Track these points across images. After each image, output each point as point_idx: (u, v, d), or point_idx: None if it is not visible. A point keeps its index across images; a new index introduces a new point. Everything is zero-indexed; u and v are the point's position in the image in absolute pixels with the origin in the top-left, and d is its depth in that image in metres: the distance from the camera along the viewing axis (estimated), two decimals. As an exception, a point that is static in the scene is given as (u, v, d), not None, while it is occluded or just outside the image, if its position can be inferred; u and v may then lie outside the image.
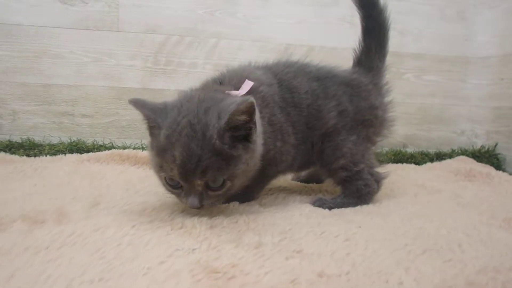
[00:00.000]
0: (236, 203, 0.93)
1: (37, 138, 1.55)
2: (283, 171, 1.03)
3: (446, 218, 0.89)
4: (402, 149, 1.81)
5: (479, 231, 0.81)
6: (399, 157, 1.73)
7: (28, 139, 1.51)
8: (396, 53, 1.80)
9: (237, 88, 0.89)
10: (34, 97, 1.56)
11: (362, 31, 1.11)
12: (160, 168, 0.78)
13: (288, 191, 1.13)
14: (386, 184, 1.23)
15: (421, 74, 1.84)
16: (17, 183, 1.05)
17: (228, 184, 0.78)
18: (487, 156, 1.78)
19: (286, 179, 1.28)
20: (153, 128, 0.80)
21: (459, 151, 1.83)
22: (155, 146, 0.78)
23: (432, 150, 1.83)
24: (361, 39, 1.11)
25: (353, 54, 1.13)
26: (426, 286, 0.58)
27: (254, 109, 0.76)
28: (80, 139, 1.56)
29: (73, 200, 0.92)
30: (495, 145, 1.82)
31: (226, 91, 0.87)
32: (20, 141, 1.50)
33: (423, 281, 0.59)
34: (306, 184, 1.24)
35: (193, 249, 0.65)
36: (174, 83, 1.62)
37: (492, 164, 1.75)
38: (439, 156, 1.79)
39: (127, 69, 1.60)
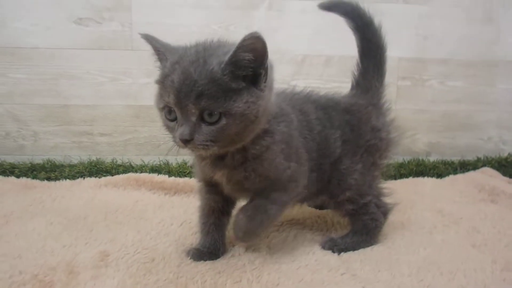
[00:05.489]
0: (241, 250, 0.94)
1: (58, 157, 1.60)
2: (298, 197, 0.97)
3: (457, 270, 0.87)
4: (425, 159, 1.75)
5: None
6: (421, 168, 1.67)
7: (49, 160, 1.56)
8: (419, 59, 1.71)
9: None
10: (54, 118, 1.60)
11: (359, 52, 1.08)
12: (160, 99, 0.77)
13: (299, 225, 1.12)
14: (403, 210, 1.22)
15: (445, 80, 1.75)
16: (34, 221, 1.08)
17: (224, 121, 0.73)
18: (514, 165, 1.70)
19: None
20: (161, 62, 0.80)
21: (485, 160, 1.74)
22: (159, 78, 0.78)
23: (456, 159, 1.76)
24: (358, 61, 1.09)
25: (352, 77, 1.11)
26: None
27: (262, 49, 0.73)
28: (99, 158, 1.60)
29: (86, 246, 0.95)
30: (523, 153, 1.74)
31: None
32: (42, 163, 1.55)
33: None
34: (320, 212, 1.22)
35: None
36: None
37: (518, 173, 1.67)
38: (463, 166, 1.71)
39: (143, 87, 1.60)
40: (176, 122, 0.76)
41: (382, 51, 1.07)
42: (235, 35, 1.53)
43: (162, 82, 0.76)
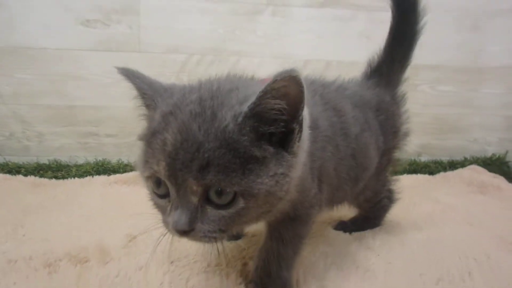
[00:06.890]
0: (261, 230, 0.99)
1: (64, 158, 1.61)
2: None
3: (459, 243, 0.95)
4: (416, 159, 1.85)
5: (488, 257, 0.87)
6: (414, 167, 1.78)
7: (55, 161, 1.58)
8: (411, 65, 1.80)
9: None
10: (59, 119, 1.62)
11: (389, 35, 0.93)
12: (144, 165, 0.54)
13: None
14: (402, 200, 1.29)
15: (436, 85, 1.87)
16: (53, 214, 1.10)
17: (241, 203, 0.51)
18: (498, 164, 1.83)
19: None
20: (148, 110, 0.59)
21: (471, 159, 1.86)
22: (144, 134, 0.57)
23: (445, 159, 1.87)
24: (385, 45, 0.94)
25: (370, 62, 0.99)
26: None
27: (299, 94, 0.50)
28: (105, 158, 1.62)
29: (111, 232, 0.97)
30: (506, 153, 1.88)
31: None
32: (48, 163, 1.56)
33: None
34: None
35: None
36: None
37: (503, 172, 1.78)
38: (452, 165, 1.83)
39: (149, 89, 1.64)
40: (169, 200, 0.54)
41: (416, 38, 0.94)
42: (241, 39, 1.64)
43: (148, 141, 0.54)
